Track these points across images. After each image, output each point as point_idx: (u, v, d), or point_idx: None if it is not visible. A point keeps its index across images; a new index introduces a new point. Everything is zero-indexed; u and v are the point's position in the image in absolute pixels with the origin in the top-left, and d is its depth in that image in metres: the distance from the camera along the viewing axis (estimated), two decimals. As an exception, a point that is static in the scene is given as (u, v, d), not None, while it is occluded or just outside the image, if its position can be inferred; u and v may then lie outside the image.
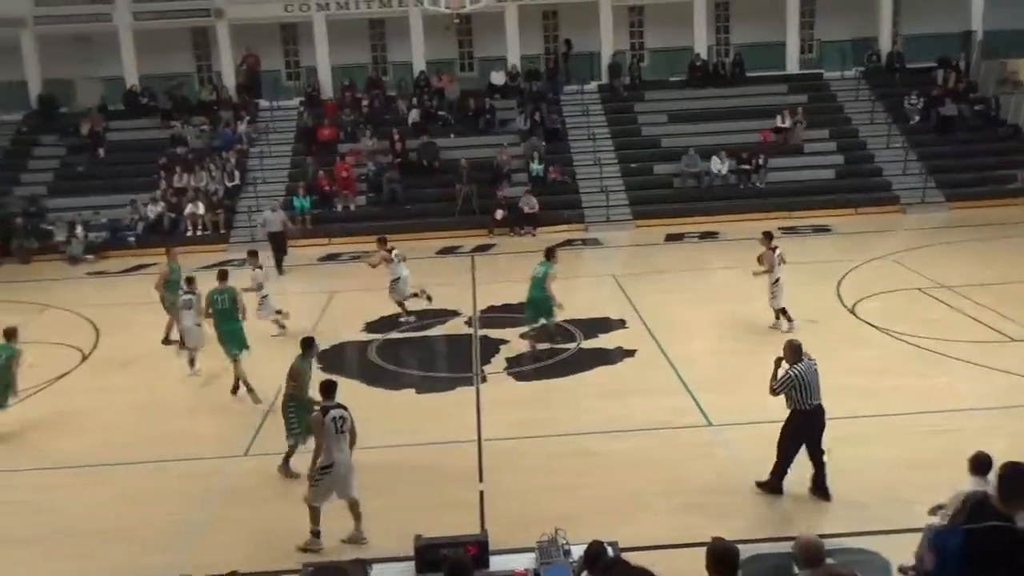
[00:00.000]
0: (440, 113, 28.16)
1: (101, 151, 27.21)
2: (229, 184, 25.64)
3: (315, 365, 11.43)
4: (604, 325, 15.92)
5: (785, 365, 9.33)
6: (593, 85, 29.54)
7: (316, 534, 9.04)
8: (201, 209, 24.79)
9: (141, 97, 28.80)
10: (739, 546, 5.34)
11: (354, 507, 9.13)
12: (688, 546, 5.83)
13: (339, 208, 25.40)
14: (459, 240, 23.74)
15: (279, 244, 21.58)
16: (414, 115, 27.86)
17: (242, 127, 27.62)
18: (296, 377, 10.68)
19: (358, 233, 23.53)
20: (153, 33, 29.03)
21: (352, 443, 9.10)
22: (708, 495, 9.58)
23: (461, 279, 19.86)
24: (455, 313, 16.95)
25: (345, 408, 9.09)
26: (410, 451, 11.20)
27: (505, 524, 8.68)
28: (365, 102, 28.33)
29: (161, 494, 10.51)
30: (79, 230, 24.01)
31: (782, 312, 15.19)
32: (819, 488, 9.39)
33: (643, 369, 13.82)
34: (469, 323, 16.50)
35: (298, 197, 24.91)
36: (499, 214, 24.40)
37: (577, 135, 27.65)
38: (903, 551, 7.66)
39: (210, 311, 13.65)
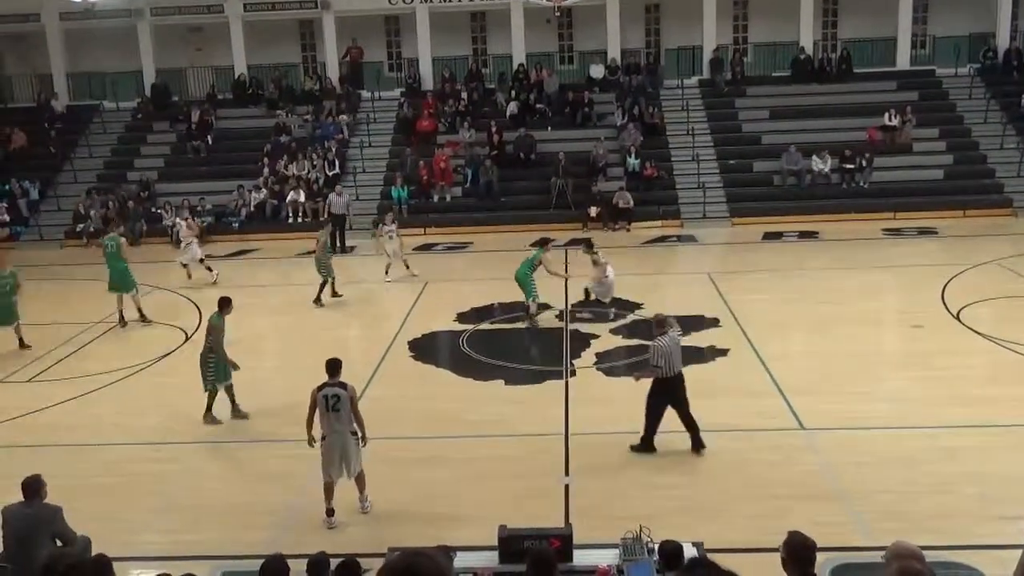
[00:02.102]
0: (538, 106, 28.20)
1: (209, 138, 28.11)
2: (329, 173, 26.18)
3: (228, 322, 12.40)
4: (697, 323, 15.72)
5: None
6: (693, 80, 29.15)
7: (329, 512, 9.33)
8: (302, 197, 25.39)
9: (248, 87, 29.62)
10: (823, 554, 5.23)
11: (358, 480, 9.54)
12: (774, 551, 5.73)
13: (435, 199, 25.69)
14: (553, 233, 23.61)
15: (340, 225, 23.09)
16: (512, 107, 27.97)
17: (344, 117, 28.15)
18: (212, 332, 12.11)
19: (453, 224, 23.80)
20: (262, 24, 29.83)
21: (357, 422, 9.36)
22: (796, 500, 9.39)
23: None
24: (546, 306, 16.97)
25: (344, 387, 9.31)
26: (497, 442, 11.28)
27: (589, 519, 8.69)
28: (464, 94, 28.56)
29: (256, 472, 10.84)
30: (187, 214, 24.83)
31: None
32: (696, 444, 10.56)
33: (735, 369, 13.62)
34: (560, 317, 16.51)
35: (396, 187, 25.31)
36: (593, 210, 24.32)
37: (675, 130, 27.35)
38: (1004, 567, 7.39)
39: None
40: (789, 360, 13.81)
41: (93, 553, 7.14)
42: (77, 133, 29.06)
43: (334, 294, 18.11)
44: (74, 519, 7.73)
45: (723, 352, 14.26)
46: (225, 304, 12.43)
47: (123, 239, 17.77)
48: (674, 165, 26.20)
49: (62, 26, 29.80)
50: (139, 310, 17.20)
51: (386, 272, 19.57)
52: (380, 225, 20.35)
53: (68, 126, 29.24)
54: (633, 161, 25.76)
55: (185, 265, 20.32)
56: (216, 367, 12.07)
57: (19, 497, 7.64)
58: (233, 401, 12.31)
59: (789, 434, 11.19)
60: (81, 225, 24.91)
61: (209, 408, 12.19)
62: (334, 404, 9.26)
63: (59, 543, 7.61)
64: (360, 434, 9.41)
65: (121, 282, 17.04)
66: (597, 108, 28.02)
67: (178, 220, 22.23)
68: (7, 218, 25.27)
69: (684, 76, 29.12)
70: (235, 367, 12.21)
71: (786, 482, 9.85)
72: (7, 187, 26.55)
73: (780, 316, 16.12)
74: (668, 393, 10.56)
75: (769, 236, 22.82)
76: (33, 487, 7.69)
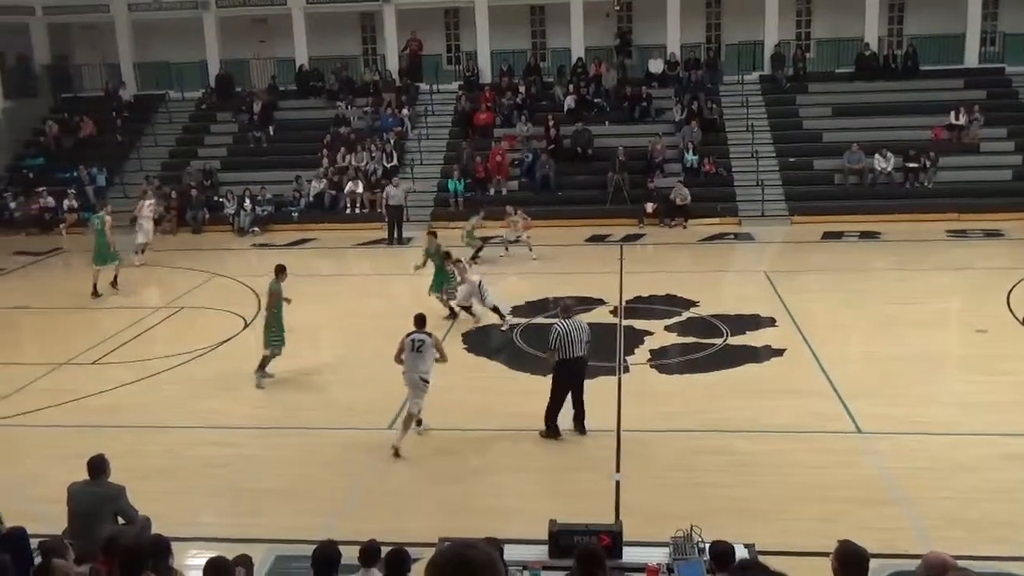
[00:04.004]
0: (596, 100, 28.10)
1: (271, 129, 28.50)
2: (387, 165, 26.38)
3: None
4: (753, 322, 15.58)
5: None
6: (754, 76, 28.78)
7: (418, 424, 11.19)
8: (360, 188, 25.63)
9: (310, 78, 29.95)
10: (879, 560, 5.17)
11: (408, 418, 11.05)
12: (826, 555, 5.67)
13: (491, 192, 25.75)
14: (609, 228, 23.68)
15: (398, 217, 23.34)
16: (570, 102, 27.90)
17: (403, 110, 28.34)
18: (272, 297, 13.41)
19: (497, 217, 23.82)
20: (324, 16, 30.13)
21: (441, 359, 11.22)
22: (851, 504, 9.26)
23: (608, 267, 19.81)
24: (600, 302, 16.93)
25: (429, 335, 11.14)
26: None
27: (640, 516, 8.67)
28: (522, 88, 28.56)
29: (312, 459, 10.99)
30: (247, 203, 25.25)
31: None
32: (578, 425, 11.15)
33: (791, 370, 13.46)
34: (614, 312, 16.46)
35: (452, 179, 25.43)
36: (649, 207, 24.17)
37: (735, 127, 27.04)
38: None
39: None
40: (847, 362, 13.62)
41: (152, 533, 7.32)
42: (143, 122, 29.66)
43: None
44: (134, 499, 7.93)
45: (779, 352, 14.10)
46: (281, 271, 13.60)
47: (109, 217, 19.31)
48: (732, 162, 25.93)
49: (130, 17, 30.42)
50: (114, 280, 18.94)
51: (506, 249, 20.74)
52: (507, 216, 21.09)
53: (135, 115, 29.84)
54: (691, 157, 25.54)
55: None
56: (280, 331, 13.32)
57: (85, 475, 7.87)
58: (262, 366, 13.34)
59: (846, 437, 11.04)
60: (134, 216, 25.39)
61: (262, 366, 13.31)
62: (418, 347, 11.00)
63: (121, 521, 7.82)
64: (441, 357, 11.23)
65: (102, 255, 18.73)
66: (655, 103, 27.83)
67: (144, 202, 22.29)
68: (76, 204, 25.91)
69: (744, 72, 28.76)
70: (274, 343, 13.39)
71: (843, 486, 9.72)
72: (76, 174, 27.21)
73: (839, 317, 15.89)
74: (568, 375, 11.03)
75: (829, 235, 22.47)
76: (98, 466, 7.91)
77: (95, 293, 18.54)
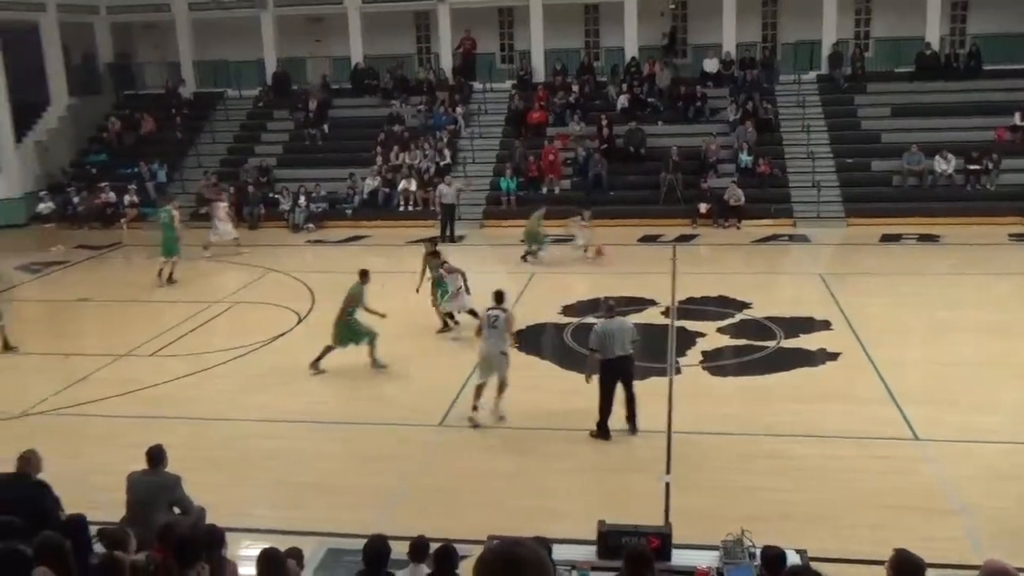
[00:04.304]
0: (649, 100, 27.94)
1: (326, 127, 28.80)
2: (440, 163, 26.51)
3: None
4: (807, 325, 15.37)
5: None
6: (811, 75, 28.38)
7: (474, 408, 11.63)
8: (413, 186, 25.79)
9: (365, 76, 30.21)
10: (936, 571, 5.07)
11: (500, 387, 11.76)
12: (880, 563, 5.58)
13: (544, 191, 25.74)
14: (661, 229, 23.53)
15: (450, 215, 23.38)
16: (623, 101, 27.78)
17: (457, 109, 28.46)
18: (351, 300, 13.64)
19: (561, 216, 23.78)
20: (379, 15, 30.36)
21: (510, 334, 11.87)
22: (907, 512, 9.10)
23: (660, 268, 19.70)
24: (652, 302, 16.84)
25: (505, 311, 11.78)
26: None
27: (689, 519, 8.61)
28: (575, 87, 28.50)
29: (364, 454, 11.11)
30: (302, 200, 25.56)
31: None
32: (629, 423, 11.16)
33: (846, 374, 13.27)
34: (666, 313, 16.36)
35: (505, 178, 25.48)
36: (703, 207, 23.98)
37: (790, 127, 26.71)
38: None
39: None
40: (904, 367, 13.37)
41: (207, 523, 7.45)
42: (202, 119, 30.17)
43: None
44: (189, 489, 8.07)
45: (833, 356, 13.90)
46: (364, 275, 13.95)
47: (176, 212, 20.33)
48: (788, 163, 25.61)
49: (191, 16, 30.96)
50: (170, 275, 19.39)
51: (585, 251, 20.45)
52: (577, 218, 20.83)
53: (194, 112, 30.37)
54: (745, 158, 25.28)
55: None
56: (350, 330, 13.70)
57: (143, 465, 8.04)
58: (320, 358, 13.68)
59: (902, 444, 10.85)
60: (205, 208, 25.82)
61: (321, 356, 13.61)
62: (493, 322, 11.68)
63: (177, 511, 7.97)
64: (510, 343, 11.90)
65: (168, 248, 19.48)
66: (710, 103, 27.59)
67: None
68: (137, 199, 26.45)
69: (801, 71, 28.38)
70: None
71: (897, 493, 9.56)
72: (136, 170, 27.78)
73: (896, 321, 15.61)
74: (613, 374, 10.99)
75: (887, 238, 22.09)
76: (156, 456, 8.08)
77: (169, 280, 19.33)
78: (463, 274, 15.64)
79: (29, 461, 8.01)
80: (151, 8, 31.01)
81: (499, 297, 12.05)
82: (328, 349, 13.74)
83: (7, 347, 15.25)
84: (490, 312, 11.83)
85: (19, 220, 26.74)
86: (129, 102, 31.15)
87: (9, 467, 7.99)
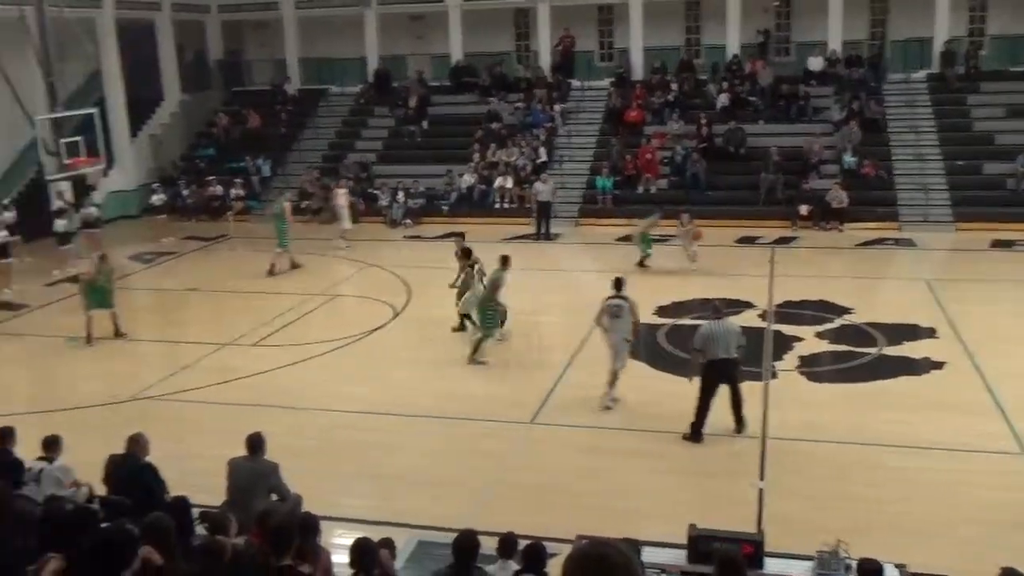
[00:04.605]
0: (751, 99, 27.44)
1: (424, 124, 29.16)
2: (536, 161, 26.56)
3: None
4: (911, 332, 14.90)
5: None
6: (921, 74, 27.43)
7: (611, 395, 12.04)
8: (509, 183, 25.91)
9: (464, 74, 30.46)
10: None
11: (613, 374, 11.93)
12: (985, 581, 5.39)
13: (640, 190, 25.55)
14: (760, 230, 23.11)
15: (546, 213, 23.29)
16: (723, 99, 27.35)
17: (554, 106, 28.46)
18: (495, 284, 13.85)
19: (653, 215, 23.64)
20: (479, 13, 30.57)
21: (635, 323, 12.11)
22: (1012, 529, 8.74)
23: (759, 270, 19.34)
24: (748, 305, 16.55)
25: (626, 299, 11.98)
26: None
27: (783, 527, 8.45)
28: (674, 85, 28.19)
29: (456, 449, 11.23)
30: (400, 196, 25.93)
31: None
32: (737, 423, 11.05)
33: (951, 384, 12.80)
34: (763, 316, 16.06)
35: (601, 177, 25.37)
36: (804, 209, 23.43)
37: (898, 127, 25.87)
38: None
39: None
40: (1014, 379, 12.80)
41: (303, 511, 7.64)
42: (306, 115, 30.89)
43: None
44: (285, 477, 8.28)
45: (939, 365, 13.44)
46: (505, 260, 14.23)
47: (288, 204, 21.08)
48: (894, 164, 24.81)
49: (297, 14, 31.72)
50: (273, 266, 19.97)
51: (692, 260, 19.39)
52: (682, 223, 19.91)
53: (298, 108, 31.13)
54: (850, 159, 24.60)
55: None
56: (495, 316, 14.03)
57: (242, 451, 8.29)
58: (477, 349, 14.00)
59: (1011, 458, 10.43)
60: (306, 202, 26.46)
61: (476, 349, 14.00)
62: (616, 311, 11.93)
63: (274, 497, 8.19)
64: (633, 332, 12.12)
65: (282, 239, 20.16)
66: (813, 102, 26.93)
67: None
68: (243, 193, 27.28)
69: (911, 70, 27.45)
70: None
71: (1003, 508, 9.20)
72: (243, 164, 28.63)
73: (1007, 330, 14.98)
74: (715, 377, 10.87)
75: (998, 244, 21.21)
76: (256, 443, 8.33)
77: (270, 272, 19.89)
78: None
79: (137, 443, 8.36)
80: (260, 6, 31.91)
81: (619, 284, 12.26)
82: (480, 341, 14.05)
83: (118, 333, 15.91)
84: (612, 301, 12.02)
85: (133, 212, 27.85)
86: (237, 98, 32.12)
87: (119, 448, 8.35)
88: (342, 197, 23.33)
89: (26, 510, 6.34)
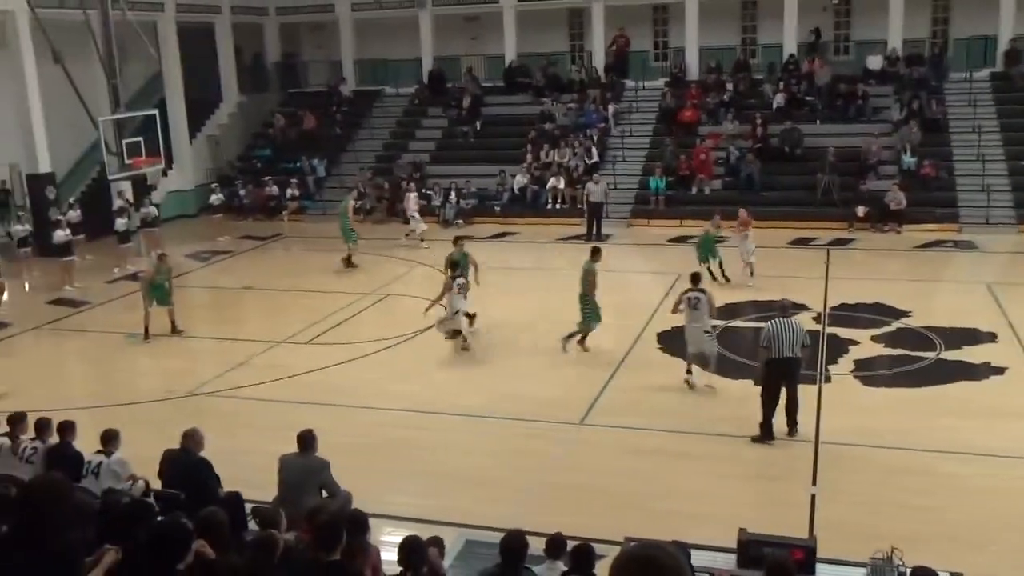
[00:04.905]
0: (807, 98, 27.06)
1: (478, 124, 29.25)
2: (588, 161, 26.49)
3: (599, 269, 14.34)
4: (970, 336, 14.58)
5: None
6: (984, 73, 26.81)
7: (688, 372, 12.66)
8: (562, 184, 25.87)
9: (517, 74, 30.48)
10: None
11: (707, 363, 12.54)
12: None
13: (694, 191, 25.36)
14: (815, 232, 22.79)
15: (597, 213, 23.29)
16: (779, 99, 27.02)
17: (608, 107, 28.35)
18: (586, 277, 14.04)
19: (710, 216, 23.40)
20: (533, 13, 30.59)
21: (712, 315, 12.62)
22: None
23: (814, 272, 19.07)
24: (803, 307, 16.32)
25: (704, 292, 12.55)
26: (740, 442, 11.03)
27: (836, 533, 8.32)
28: (730, 85, 27.92)
29: (505, 448, 11.24)
30: (452, 196, 26.05)
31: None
32: (790, 424, 10.97)
33: (1012, 390, 12.49)
34: (818, 319, 15.84)
35: (654, 177, 25.23)
36: (861, 210, 23.04)
37: (959, 127, 25.31)
38: None
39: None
40: (1078, 385, 12.48)
41: (352, 508, 7.71)
42: (360, 116, 31.20)
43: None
44: (336, 474, 8.37)
45: (999, 371, 13.13)
46: (596, 252, 14.50)
47: (349, 202, 21.81)
48: (955, 165, 24.29)
49: (353, 16, 32.04)
50: (349, 259, 20.75)
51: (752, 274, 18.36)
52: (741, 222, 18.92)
53: (353, 109, 31.45)
54: (909, 159, 24.15)
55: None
56: (592, 309, 14.13)
57: (294, 447, 8.40)
58: (583, 340, 14.27)
59: (1072, 467, 10.14)
60: (359, 202, 26.70)
61: (572, 336, 14.23)
62: (695, 304, 12.37)
63: (325, 494, 8.29)
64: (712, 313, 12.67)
65: (348, 236, 20.77)
66: (872, 102, 26.48)
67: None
68: (298, 193, 27.64)
69: (973, 68, 26.84)
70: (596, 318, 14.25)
71: (1064, 519, 8.95)
72: (298, 164, 29.00)
73: (1071, 336, 14.59)
74: (776, 375, 10.83)
75: (1063, 247, 20.67)
76: (307, 440, 8.43)
77: (347, 263, 20.79)
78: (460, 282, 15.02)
79: (192, 439, 8.52)
80: (316, 9, 32.30)
81: (696, 278, 12.85)
82: (583, 332, 14.29)
83: (174, 330, 16.22)
84: (691, 294, 12.45)
85: (191, 211, 28.39)
86: (293, 99, 32.55)
87: (175, 443, 8.51)
88: (413, 200, 23.40)
89: (85, 502, 6.50)
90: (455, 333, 14.92)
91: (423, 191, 26.88)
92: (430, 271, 20.48)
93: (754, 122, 26.08)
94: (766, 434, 10.87)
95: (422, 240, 22.76)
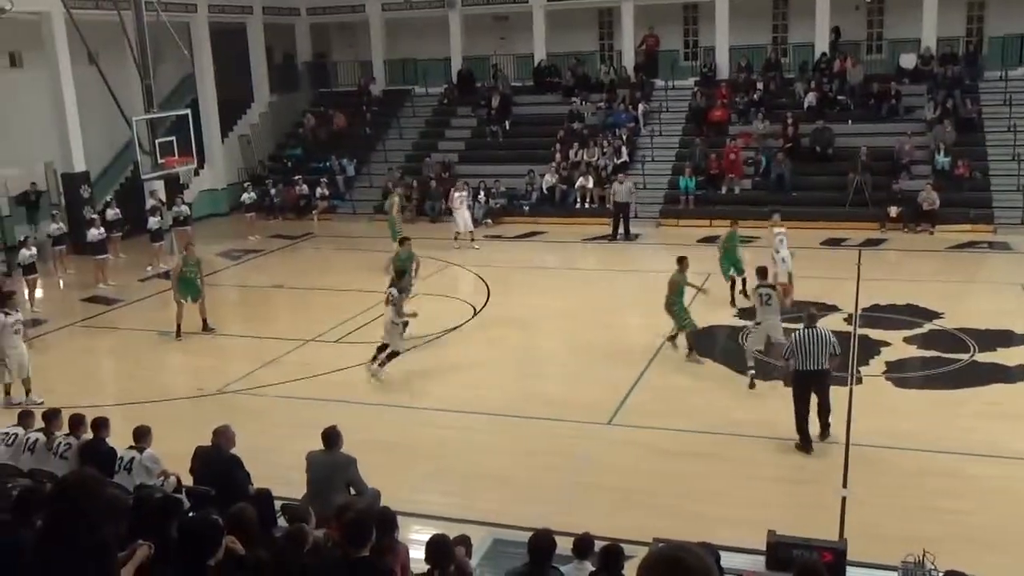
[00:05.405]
0: (839, 98, 26.83)
1: (507, 123, 29.26)
2: (617, 161, 26.42)
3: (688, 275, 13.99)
4: (1005, 338, 14.38)
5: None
6: (1020, 71, 26.41)
7: (751, 369, 12.70)
8: (590, 183, 25.82)
9: (546, 74, 30.45)
10: None
11: (776, 349, 12.41)
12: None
13: (723, 191, 25.22)
14: (847, 232, 22.58)
15: (624, 213, 23.19)
16: (811, 99, 26.80)
17: (638, 106, 28.25)
18: (672, 286, 13.79)
19: (740, 217, 23.26)
20: (563, 13, 30.55)
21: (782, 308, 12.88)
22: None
23: (845, 273, 18.91)
24: (834, 308, 16.19)
25: (774, 288, 12.83)
26: (768, 443, 10.96)
27: (866, 536, 8.26)
28: (760, 84, 27.74)
29: (532, 448, 11.23)
30: (481, 195, 26.07)
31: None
32: (822, 432, 10.78)
33: (1047, 393, 12.32)
34: (848, 320, 15.70)
35: (684, 177, 25.12)
36: (893, 210, 22.80)
37: (995, 127, 24.97)
38: None
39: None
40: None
41: (380, 506, 7.74)
42: (390, 116, 31.31)
43: None
44: (364, 472, 8.41)
45: (1034, 373, 12.95)
46: (682, 261, 14.02)
47: (395, 199, 21.72)
48: (990, 165, 23.97)
49: (383, 16, 32.17)
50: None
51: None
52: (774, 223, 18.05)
53: (382, 109, 31.58)
54: (942, 159, 23.86)
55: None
56: (682, 311, 13.89)
57: (319, 445, 8.44)
58: (691, 348, 13.92)
59: (1108, 472, 9.99)
60: (395, 200, 26.72)
61: (691, 348, 13.89)
62: (767, 300, 12.60)
63: (352, 492, 8.33)
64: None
65: (394, 233, 20.48)
66: (905, 101, 26.20)
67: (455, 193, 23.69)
68: (327, 192, 27.80)
69: (1009, 67, 26.48)
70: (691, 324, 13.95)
71: (1102, 524, 8.81)
72: (328, 164, 29.16)
73: (1108, 338, 14.35)
74: (804, 386, 10.63)
75: (1100, 248, 20.33)
76: (331, 436, 8.47)
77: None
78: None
79: (223, 435, 8.59)
80: (347, 9, 32.45)
81: (763, 273, 13.05)
82: (680, 333, 14.08)
83: (205, 327, 16.36)
84: (762, 290, 12.70)
85: (222, 210, 28.64)
86: (323, 99, 32.73)
87: (206, 440, 8.59)
88: (459, 200, 23.15)
89: (118, 498, 6.58)
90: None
91: (451, 191, 26.92)
92: (459, 271, 20.55)
93: (785, 122, 25.90)
94: (803, 443, 10.65)
95: (472, 240, 22.65)
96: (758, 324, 12.87)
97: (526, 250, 22.97)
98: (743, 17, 28.84)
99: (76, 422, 9.24)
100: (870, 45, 29.21)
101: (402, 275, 14.89)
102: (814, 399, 10.73)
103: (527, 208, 26.20)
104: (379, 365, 13.54)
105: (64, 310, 18.61)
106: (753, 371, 12.74)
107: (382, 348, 13.68)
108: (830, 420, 10.86)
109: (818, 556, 6.47)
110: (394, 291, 13.89)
